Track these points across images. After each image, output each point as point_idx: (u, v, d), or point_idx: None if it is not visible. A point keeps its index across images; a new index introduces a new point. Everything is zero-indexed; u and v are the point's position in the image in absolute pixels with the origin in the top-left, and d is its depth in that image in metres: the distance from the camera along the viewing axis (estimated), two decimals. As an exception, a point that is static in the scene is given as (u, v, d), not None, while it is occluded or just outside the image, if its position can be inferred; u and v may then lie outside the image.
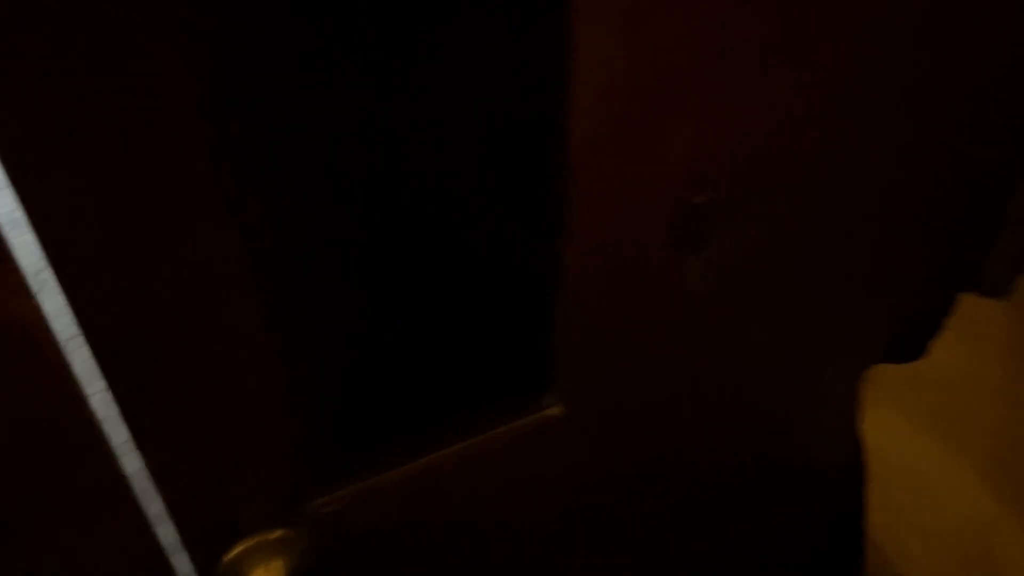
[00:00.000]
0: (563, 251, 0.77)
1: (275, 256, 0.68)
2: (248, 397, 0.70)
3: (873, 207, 0.97)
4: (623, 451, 0.96)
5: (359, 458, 0.82)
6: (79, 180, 0.54)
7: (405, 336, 0.83)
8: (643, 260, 0.82)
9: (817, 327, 1.05)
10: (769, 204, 0.87)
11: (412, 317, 0.83)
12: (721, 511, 1.16)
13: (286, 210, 0.68)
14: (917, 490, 1.16)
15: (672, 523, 1.11)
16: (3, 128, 0.51)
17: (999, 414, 1.08)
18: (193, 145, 0.56)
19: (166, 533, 0.72)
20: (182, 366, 0.65)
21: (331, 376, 0.80)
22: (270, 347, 0.68)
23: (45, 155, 0.53)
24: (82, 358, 0.60)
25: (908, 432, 1.15)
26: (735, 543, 1.23)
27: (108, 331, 0.60)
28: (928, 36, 0.86)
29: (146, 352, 0.62)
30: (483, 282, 0.83)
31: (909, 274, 1.08)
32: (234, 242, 0.61)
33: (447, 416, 0.84)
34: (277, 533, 0.78)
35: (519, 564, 1.00)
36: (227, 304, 0.64)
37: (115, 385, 0.62)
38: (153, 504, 0.70)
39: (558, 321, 0.83)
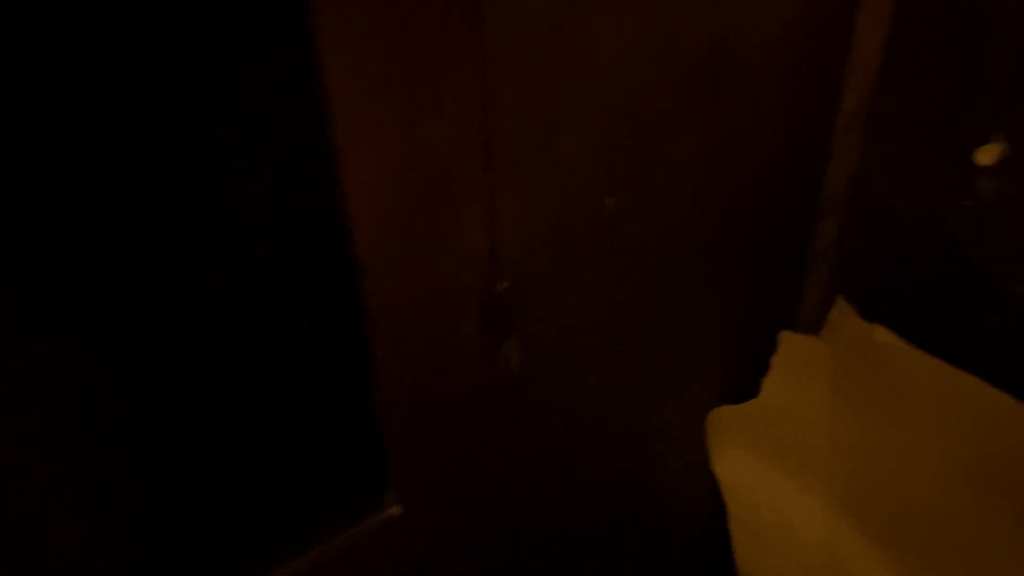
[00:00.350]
0: (372, 349, 0.78)
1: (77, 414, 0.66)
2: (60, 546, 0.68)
3: (682, 265, 1.02)
4: (469, 539, 0.97)
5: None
6: None
7: (232, 462, 0.82)
8: (457, 349, 0.84)
9: (651, 382, 1.09)
10: (576, 280, 0.90)
11: (237, 441, 0.81)
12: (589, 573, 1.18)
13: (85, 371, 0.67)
14: (774, 521, 1.21)
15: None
16: None
17: (831, 441, 1.14)
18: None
19: None
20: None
21: (153, 511, 0.78)
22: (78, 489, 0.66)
23: None
24: None
25: (756, 467, 1.20)
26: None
27: None
28: (714, 93, 0.92)
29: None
30: (302, 391, 0.83)
31: (732, 320, 1.13)
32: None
33: (281, 531, 0.83)
34: None
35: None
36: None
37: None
38: None
39: (383, 419, 0.83)
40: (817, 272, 1.14)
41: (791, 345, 1.15)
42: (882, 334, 1.09)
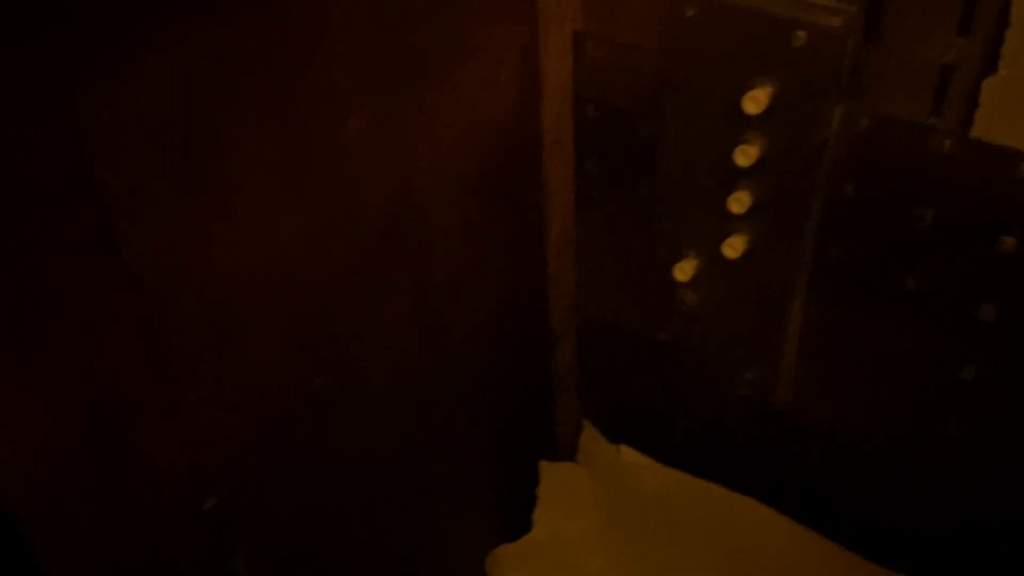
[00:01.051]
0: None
1: None
2: None
3: (424, 421, 0.99)
4: None
5: None
6: None
7: None
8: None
9: (419, 546, 1.04)
10: (301, 473, 0.85)
11: None
12: None
13: None
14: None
15: None
16: None
17: (607, 562, 1.13)
18: None
19: None
20: None
21: None
22: None
23: None
24: None
25: (547, 599, 1.17)
26: None
27: None
28: (408, 247, 0.90)
29: None
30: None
31: (492, 461, 1.11)
32: None
33: None
34: None
35: None
36: None
37: None
38: None
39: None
40: (564, 397, 1.15)
41: (552, 474, 1.14)
42: (628, 453, 1.11)
